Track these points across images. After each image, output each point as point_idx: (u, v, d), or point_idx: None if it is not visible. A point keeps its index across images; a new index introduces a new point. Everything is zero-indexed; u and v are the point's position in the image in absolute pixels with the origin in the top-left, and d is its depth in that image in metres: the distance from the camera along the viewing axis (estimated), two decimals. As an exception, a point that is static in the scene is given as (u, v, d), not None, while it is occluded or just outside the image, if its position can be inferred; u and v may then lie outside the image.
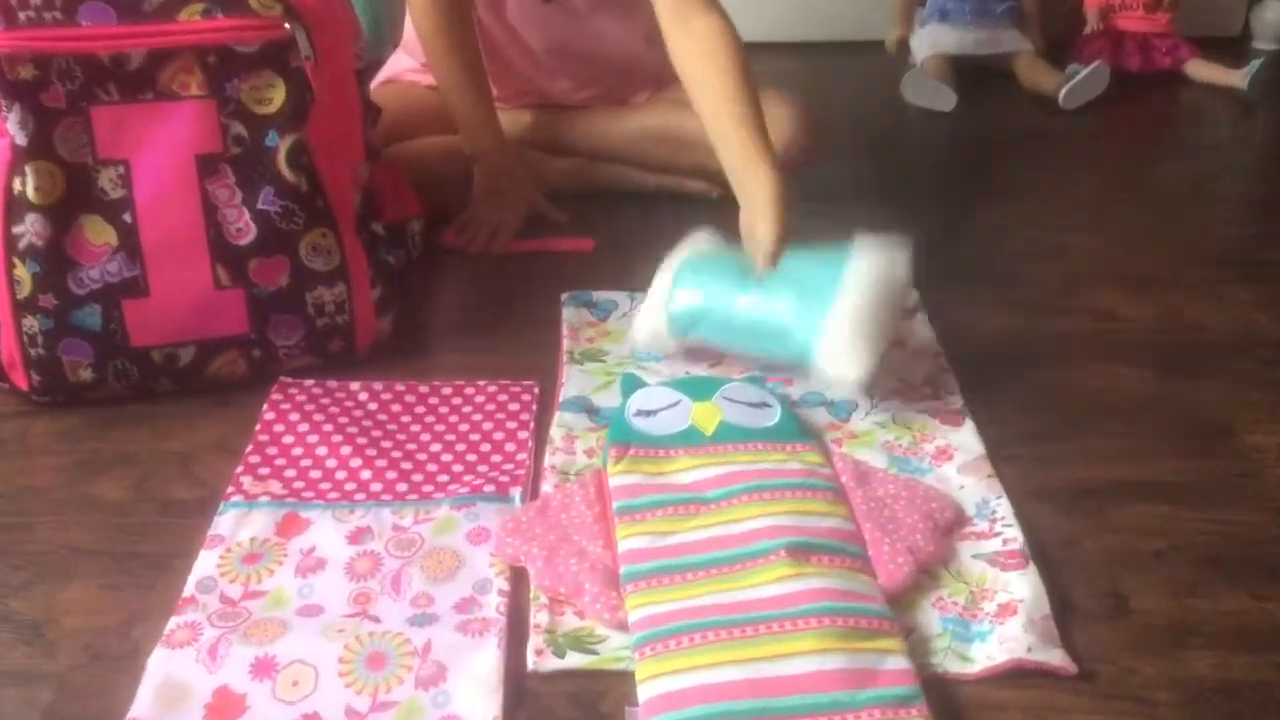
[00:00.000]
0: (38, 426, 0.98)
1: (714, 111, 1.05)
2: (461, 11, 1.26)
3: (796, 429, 0.92)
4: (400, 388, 1.01)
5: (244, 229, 0.97)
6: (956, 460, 0.91)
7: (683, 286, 1.02)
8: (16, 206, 0.93)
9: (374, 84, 1.34)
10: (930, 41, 1.83)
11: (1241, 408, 1.00)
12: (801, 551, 0.77)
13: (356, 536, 0.83)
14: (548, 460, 0.92)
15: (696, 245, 1.06)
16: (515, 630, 0.75)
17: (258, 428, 0.96)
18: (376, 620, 0.76)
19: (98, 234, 0.95)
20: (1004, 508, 0.86)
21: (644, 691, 0.69)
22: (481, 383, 1.02)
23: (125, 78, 0.93)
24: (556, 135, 1.39)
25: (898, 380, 1.01)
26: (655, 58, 1.30)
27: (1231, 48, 1.94)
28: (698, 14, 1.08)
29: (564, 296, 1.15)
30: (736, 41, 1.07)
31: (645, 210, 1.36)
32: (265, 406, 0.98)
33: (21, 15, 0.90)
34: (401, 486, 0.89)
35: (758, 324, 0.99)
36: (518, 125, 1.39)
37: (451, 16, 1.25)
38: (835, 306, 0.94)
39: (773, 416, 0.92)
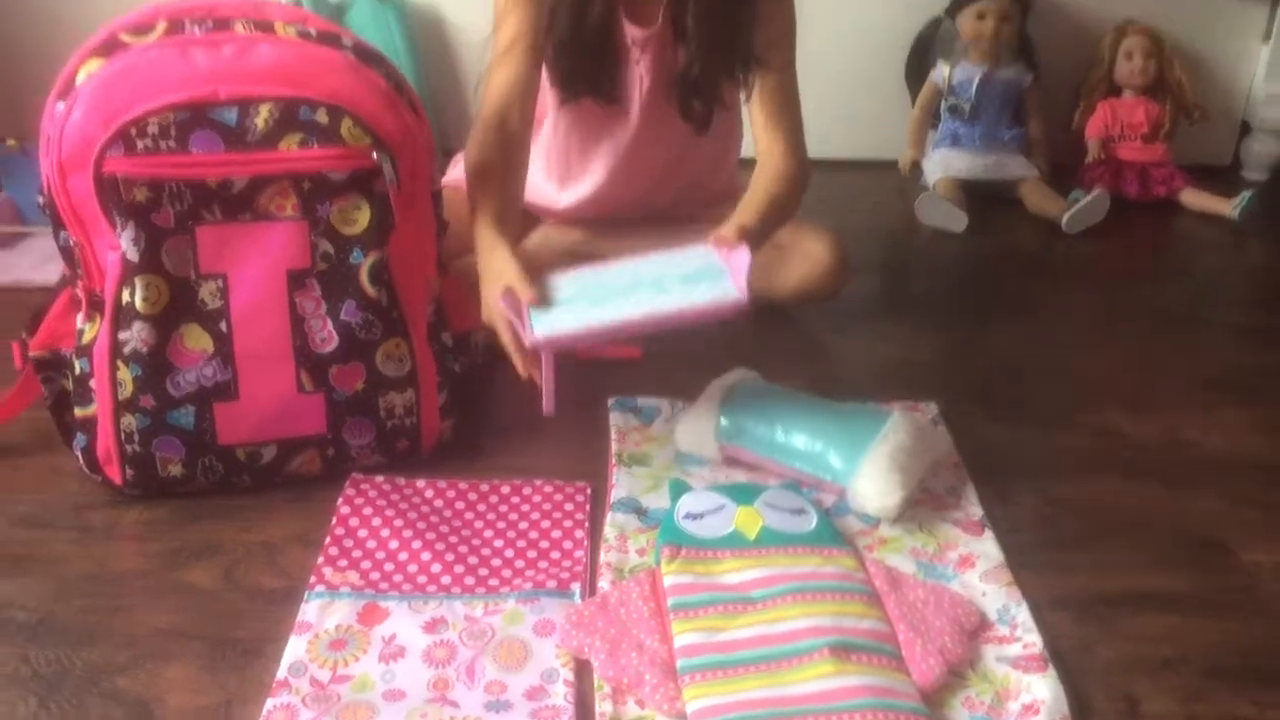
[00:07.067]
0: (129, 516, 1.06)
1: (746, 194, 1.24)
2: (514, 145, 1.23)
3: (832, 534, 1.00)
4: (463, 486, 1.10)
5: (327, 338, 1.06)
6: (979, 567, 1.00)
7: (734, 400, 1.12)
8: (125, 315, 1.02)
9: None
10: (942, 165, 1.95)
11: (1237, 525, 1.09)
12: (842, 650, 0.85)
13: (432, 626, 0.91)
14: (603, 558, 1.00)
15: (745, 374, 1.18)
16: (582, 718, 0.83)
17: (334, 521, 1.04)
18: (455, 705, 0.83)
19: (196, 341, 1.04)
20: (1024, 614, 0.94)
21: (705, 776, 0.76)
22: (538, 482, 1.11)
23: (228, 200, 1.02)
24: (604, 249, 1.48)
25: (922, 491, 1.10)
26: (727, 177, 1.42)
27: (1223, 176, 2.07)
28: (778, 153, 1.28)
29: (611, 402, 1.24)
30: (789, 180, 1.25)
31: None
32: (340, 501, 1.06)
33: (140, 144, 0.99)
34: (469, 580, 0.97)
35: (800, 449, 1.09)
36: (566, 239, 1.49)
37: (502, 148, 1.21)
38: (876, 442, 1.06)
39: (810, 522, 1.01)
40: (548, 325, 1.04)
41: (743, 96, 1.30)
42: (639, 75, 1.32)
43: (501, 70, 1.25)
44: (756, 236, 1.15)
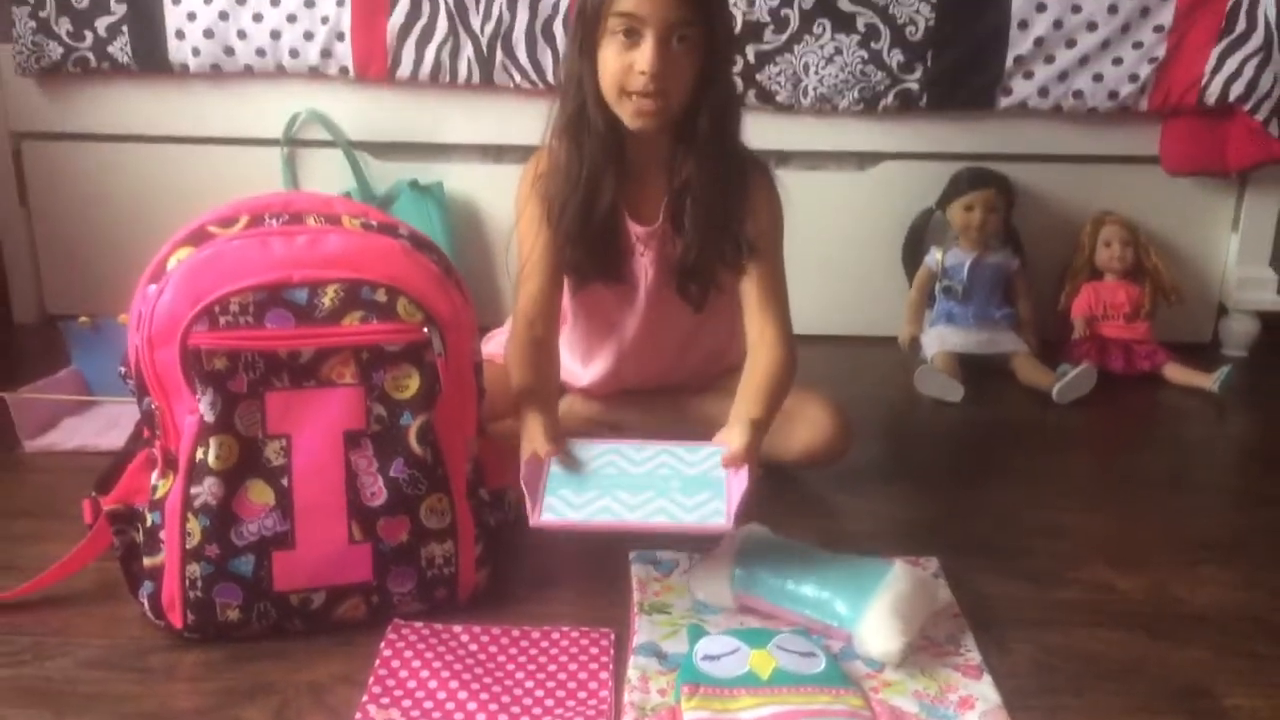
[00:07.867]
0: (187, 658, 1.14)
1: (739, 390, 1.38)
2: (543, 348, 1.43)
3: (840, 676, 1.08)
4: (496, 631, 1.18)
5: (377, 493, 1.17)
6: (978, 709, 1.07)
7: (747, 552, 1.21)
8: (198, 471, 1.13)
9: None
10: (938, 340, 2.09)
11: (1223, 673, 1.16)
12: (850, 779, 0.92)
13: (470, 758, 0.98)
14: (626, 697, 1.07)
15: (756, 528, 1.28)
16: (611, 841, 0.89)
17: (377, 663, 1.12)
18: (494, 829, 0.90)
19: (260, 495, 1.15)
20: (1020, 751, 1.01)
21: None
22: (565, 629, 1.19)
23: (295, 369, 1.14)
24: (620, 419, 1.60)
25: (924, 638, 1.18)
26: (736, 354, 1.56)
27: (1204, 353, 2.20)
28: (770, 341, 1.41)
29: (632, 555, 1.34)
30: (784, 368, 1.38)
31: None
32: (383, 644, 1.15)
33: (221, 320, 1.12)
34: (503, 718, 1.04)
35: (809, 596, 1.18)
36: (589, 409, 1.61)
37: (534, 350, 1.42)
38: (880, 592, 1.15)
39: (819, 664, 1.09)
40: (554, 512, 1.22)
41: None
42: (644, 267, 1.47)
43: (527, 286, 1.43)
44: (764, 428, 1.31)
